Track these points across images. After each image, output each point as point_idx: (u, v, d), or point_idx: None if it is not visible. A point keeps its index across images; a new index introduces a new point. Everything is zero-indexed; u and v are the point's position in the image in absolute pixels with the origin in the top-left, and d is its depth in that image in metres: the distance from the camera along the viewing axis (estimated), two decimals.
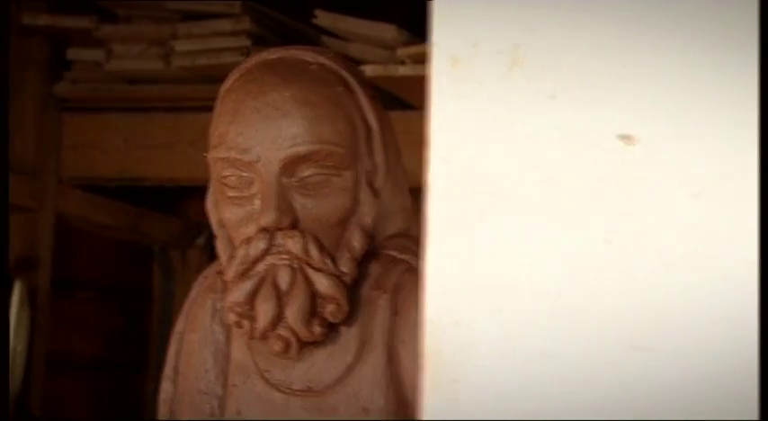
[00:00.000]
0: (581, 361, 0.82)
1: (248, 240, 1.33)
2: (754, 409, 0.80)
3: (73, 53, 2.60)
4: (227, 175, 1.35)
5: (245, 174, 1.34)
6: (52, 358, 2.64)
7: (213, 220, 1.38)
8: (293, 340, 1.34)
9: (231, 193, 1.35)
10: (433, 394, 0.84)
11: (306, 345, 1.35)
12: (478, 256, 0.84)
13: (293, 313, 1.32)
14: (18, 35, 2.55)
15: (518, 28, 0.85)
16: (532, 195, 0.83)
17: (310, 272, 1.33)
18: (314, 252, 1.33)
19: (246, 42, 2.41)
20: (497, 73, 0.84)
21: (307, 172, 1.33)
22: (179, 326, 1.45)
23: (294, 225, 1.33)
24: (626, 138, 0.82)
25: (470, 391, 0.84)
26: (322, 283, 1.34)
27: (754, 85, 0.81)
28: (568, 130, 0.83)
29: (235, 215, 1.35)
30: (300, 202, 1.33)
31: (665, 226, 0.81)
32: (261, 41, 2.36)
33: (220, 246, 1.37)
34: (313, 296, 1.33)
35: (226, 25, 2.46)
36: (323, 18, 2.39)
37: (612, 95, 0.83)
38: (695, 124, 0.81)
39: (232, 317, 1.35)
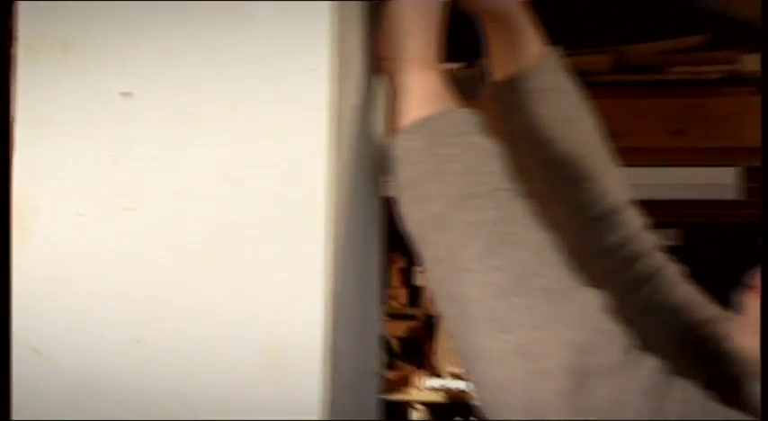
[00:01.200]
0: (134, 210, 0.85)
1: None
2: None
3: None
4: None
5: None
6: None
7: None
8: None
9: None
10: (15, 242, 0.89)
11: None
12: (53, 160, 0.87)
13: None
14: None
15: (70, 25, 0.88)
16: (72, 126, 0.87)
17: None
18: None
19: None
20: (56, 55, 0.88)
21: None
22: None
23: None
24: (125, 94, 0.86)
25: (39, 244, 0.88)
26: None
27: (212, 46, 0.84)
28: (89, 90, 0.87)
29: None
30: None
31: (154, 150, 0.85)
32: None
33: None
34: None
35: None
36: None
37: (116, 66, 0.86)
38: (178, 83, 0.85)
39: None
